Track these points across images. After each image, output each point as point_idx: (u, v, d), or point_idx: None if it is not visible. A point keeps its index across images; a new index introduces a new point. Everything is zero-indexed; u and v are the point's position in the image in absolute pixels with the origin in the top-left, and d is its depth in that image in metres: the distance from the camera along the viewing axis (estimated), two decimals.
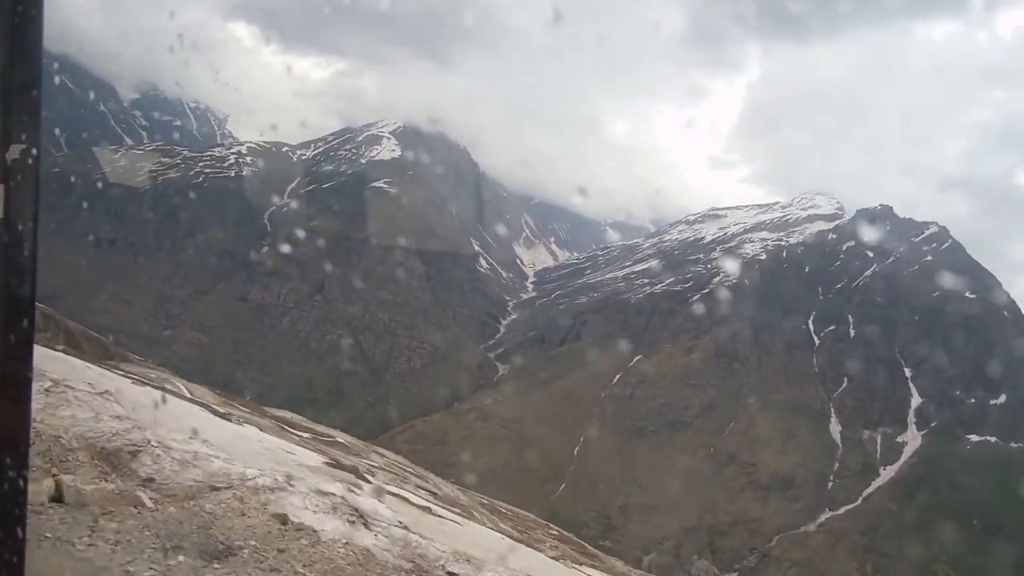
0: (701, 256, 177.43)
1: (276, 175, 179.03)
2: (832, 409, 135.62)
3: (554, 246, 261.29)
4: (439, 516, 12.62)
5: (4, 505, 2.31)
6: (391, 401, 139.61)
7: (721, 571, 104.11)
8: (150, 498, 6.76)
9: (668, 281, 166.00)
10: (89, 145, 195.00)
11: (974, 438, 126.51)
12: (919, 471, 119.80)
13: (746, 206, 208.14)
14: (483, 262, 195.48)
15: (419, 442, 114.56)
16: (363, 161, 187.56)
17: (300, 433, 23.64)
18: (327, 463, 12.36)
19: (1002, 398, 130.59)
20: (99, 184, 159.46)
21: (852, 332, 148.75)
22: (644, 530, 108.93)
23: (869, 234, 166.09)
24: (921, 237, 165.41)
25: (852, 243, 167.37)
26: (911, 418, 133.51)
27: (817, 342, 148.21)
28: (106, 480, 6.89)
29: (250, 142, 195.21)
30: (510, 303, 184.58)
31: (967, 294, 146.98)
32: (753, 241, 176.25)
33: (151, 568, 5.75)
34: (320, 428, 30.45)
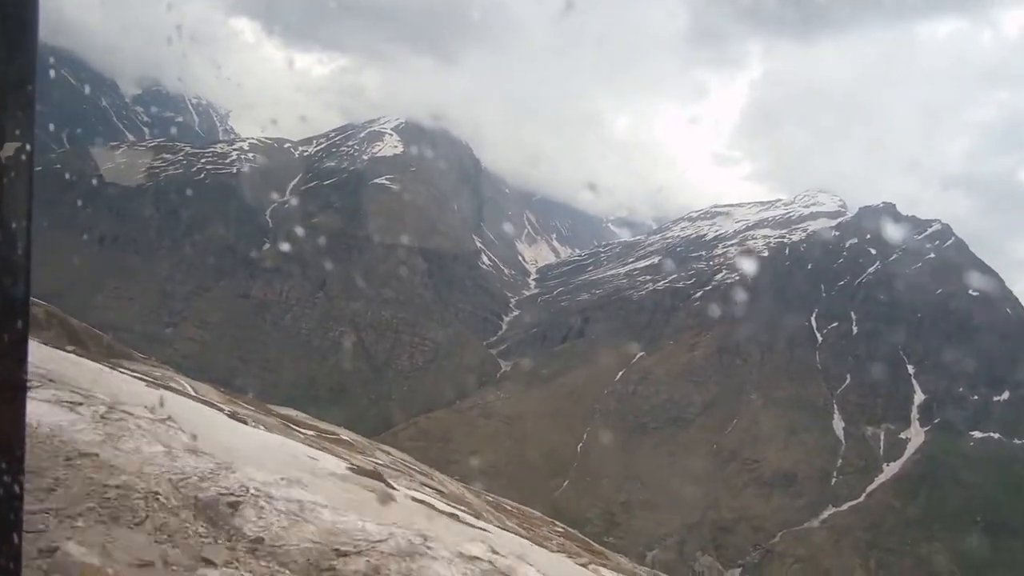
0: (704, 253, 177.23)
1: (278, 171, 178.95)
2: (835, 406, 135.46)
3: (556, 243, 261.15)
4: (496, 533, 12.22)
5: (0, 511, 2.25)
6: (394, 398, 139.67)
7: (725, 567, 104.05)
8: (268, 567, 5.65)
9: (671, 278, 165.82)
10: (90, 142, 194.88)
11: (977, 434, 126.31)
12: (922, 468, 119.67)
13: (749, 203, 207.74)
14: (485, 259, 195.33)
15: (422, 439, 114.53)
16: (365, 157, 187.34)
17: (305, 431, 23.49)
18: (350, 468, 12.12)
19: (1005, 395, 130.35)
20: (100, 181, 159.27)
21: (855, 329, 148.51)
22: (647, 526, 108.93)
23: (872, 231, 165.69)
24: (924, 235, 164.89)
25: (855, 240, 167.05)
26: (914, 414, 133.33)
27: (820, 339, 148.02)
28: (215, 543, 5.74)
29: (252, 138, 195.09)
30: (512, 300, 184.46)
31: (970, 291, 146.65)
32: (756, 238, 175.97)
33: None
34: (324, 426, 30.29)
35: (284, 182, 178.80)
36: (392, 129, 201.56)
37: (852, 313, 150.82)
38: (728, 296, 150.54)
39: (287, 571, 5.68)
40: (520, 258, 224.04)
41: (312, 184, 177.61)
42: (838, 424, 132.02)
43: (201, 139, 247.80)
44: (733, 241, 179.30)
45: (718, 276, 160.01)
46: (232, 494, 6.51)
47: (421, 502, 11.87)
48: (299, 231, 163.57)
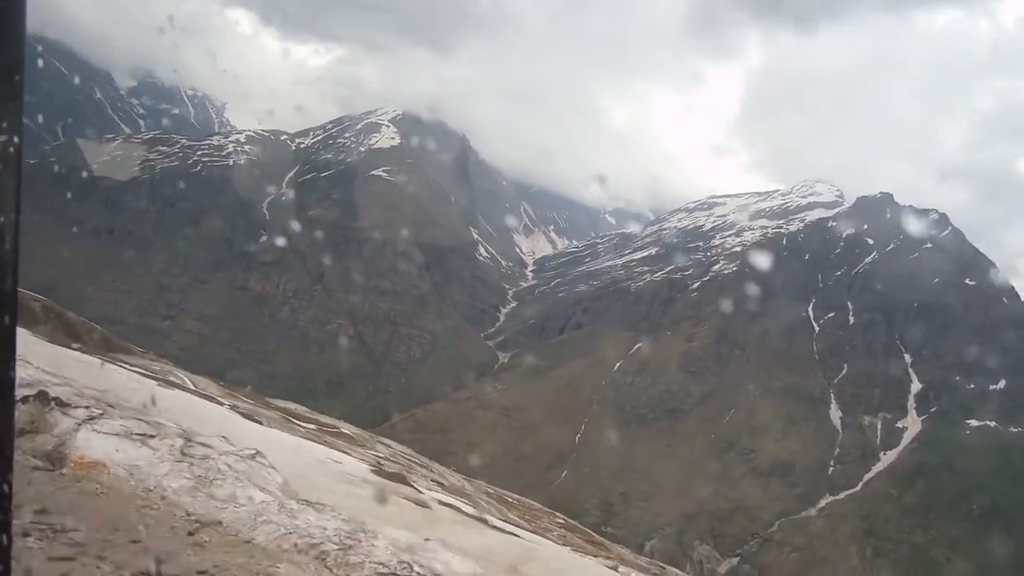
0: (701, 244, 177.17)
1: (274, 164, 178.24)
2: (832, 395, 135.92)
3: (553, 234, 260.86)
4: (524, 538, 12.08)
5: None
6: (391, 390, 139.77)
7: (722, 556, 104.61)
8: None
9: (668, 269, 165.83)
10: (85, 134, 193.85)
11: (973, 423, 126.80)
12: (919, 456, 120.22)
13: (746, 194, 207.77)
14: (482, 251, 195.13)
15: (420, 431, 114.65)
16: (362, 149, 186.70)
17: (306, 425, 23.48)
18: (373, 470, 12.10)
19: (1001, 383, 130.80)
20: (95, 174, 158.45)
21: (852, 319, 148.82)
22: (645, 517, 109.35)
23: (869, 221, 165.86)
24: (921, 224, 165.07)
25: (852, 230, 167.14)
26: (911, 403, 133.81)
27: (817, 329, 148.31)
28: None
29: (248, 130, 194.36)
30: (510, 292, 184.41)
31: (966, 281, 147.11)
32: (753, 229, 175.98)
33: None
34: (325, 419, 30.32)
35: (281, 174, 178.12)
36: (389, 121, 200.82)
37: (849, 303, 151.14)
38: (725, 287, 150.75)
39: None
40: (518, 250, 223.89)
41: (309, 176, 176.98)
42: (835, 414, 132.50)
43: (197, 131, 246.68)
44: (730, 232, 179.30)
45: (715, 267, 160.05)
46: (389, 570, 5.86)
47: (450, 505, 11.83)
48: (296, 224, 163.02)
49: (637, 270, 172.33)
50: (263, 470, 7.52)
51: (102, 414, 7.22)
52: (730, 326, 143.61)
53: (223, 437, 8.11)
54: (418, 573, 6.05)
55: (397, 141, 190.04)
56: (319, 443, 15.56)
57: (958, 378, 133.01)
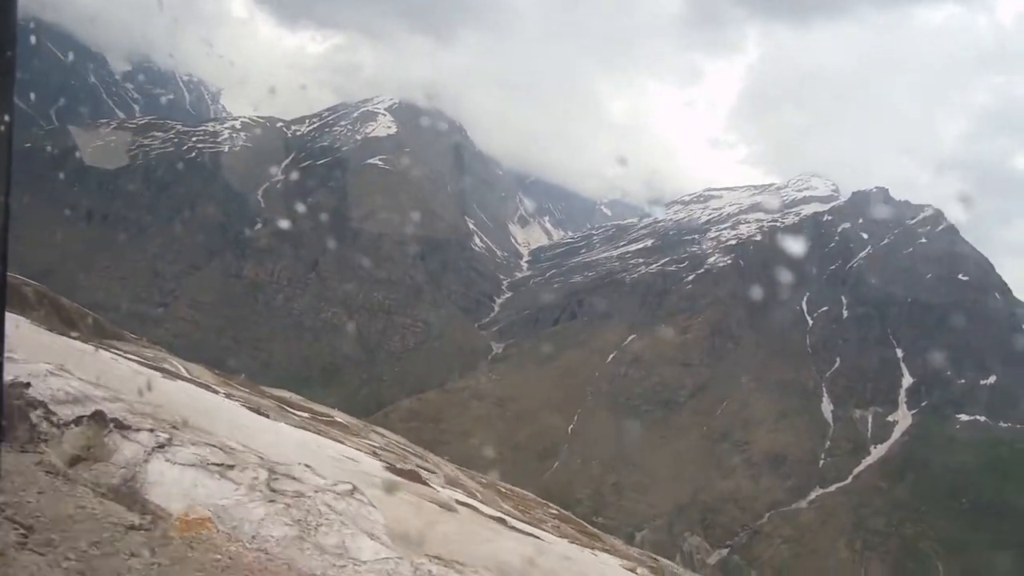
0: (696, 236, 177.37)
1: (270, 150, 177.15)
2: (824, 389, 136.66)
3: (549, 225, 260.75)
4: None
5: None
6: (385, 379, 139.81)
7: (713, 547, 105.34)
8: None
9: (663, 261, 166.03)
10: (79, 117, 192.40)
11: (964, 418, 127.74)
12: (909, 450, 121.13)
13: (742, 187, 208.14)
14: (478, 241, 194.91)
15: (413, 420, 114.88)
16: (358, 138, 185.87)
17: (300, 413, 23.48)
18: (387, 468, 12.07)
19: (992, 378, 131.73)
20: (86, 163, 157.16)
21: (845, 313, 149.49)
22: (637, 507, 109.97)
23: (864, 216, 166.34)
24: (916, 219, 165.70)
25: (847, 225, 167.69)
26: (902, 398, 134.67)
27: (810, 322, 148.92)
28: None
29: (244, 117, 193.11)
30: (504, 282, 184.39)
31: (960, 276, 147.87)
32: (748, 222, 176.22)
33: None
34: (319, 408, 30.33)
35: (277, 161, 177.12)
36: (386, 109, 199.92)
37: (843, 297, 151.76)
38: (720, 279, 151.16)
39: None
40: (513, 240, 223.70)
41: (305, 164, 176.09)
42: (827, 407, 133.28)
43: (192, 117, 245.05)
44: (726, 225, 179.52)
45: (710, 259, 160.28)
46: None
47: (467, 505, 11.79)
48: (292, 211, 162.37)
49: (632, 262, 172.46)
50: (363, 509, 6.68)
51: (170, 439, 6.26)
52: (724, 319, 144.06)
53: (306, 466, 7.25)
54: None
55: (394, 130, 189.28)
56: (326, 437, 15.56)
57: (948, 373, 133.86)
